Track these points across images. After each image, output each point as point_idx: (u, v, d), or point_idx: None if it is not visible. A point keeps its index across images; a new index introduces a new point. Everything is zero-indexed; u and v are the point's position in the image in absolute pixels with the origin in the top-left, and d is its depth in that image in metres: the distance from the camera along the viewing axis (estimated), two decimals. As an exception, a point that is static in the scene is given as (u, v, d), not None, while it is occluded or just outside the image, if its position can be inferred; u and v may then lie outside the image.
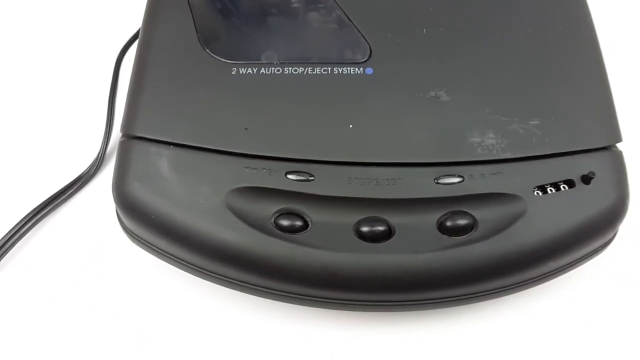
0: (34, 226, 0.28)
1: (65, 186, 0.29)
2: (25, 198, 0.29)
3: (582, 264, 0.25)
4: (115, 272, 0.27)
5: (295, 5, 0.28)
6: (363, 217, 0.22)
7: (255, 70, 0.25)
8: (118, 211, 0.25)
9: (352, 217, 0.22)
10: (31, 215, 0.28)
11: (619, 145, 0.25)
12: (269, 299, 0.24)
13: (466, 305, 0.25)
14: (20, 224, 0.28)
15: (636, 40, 0.35)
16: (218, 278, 0.24)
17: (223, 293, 0.25)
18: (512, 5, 0.27)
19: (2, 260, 0.27)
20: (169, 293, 0.27)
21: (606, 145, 0.24)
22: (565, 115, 0.25)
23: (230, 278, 0.23)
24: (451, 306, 0.24)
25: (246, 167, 0.23)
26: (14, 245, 0.28)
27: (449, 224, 0.22)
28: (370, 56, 0.26)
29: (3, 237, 0.27)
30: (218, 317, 0.26)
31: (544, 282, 0.24)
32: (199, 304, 0.26)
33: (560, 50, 0.26)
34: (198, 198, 0.23)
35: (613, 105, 0.25)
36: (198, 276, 0.24)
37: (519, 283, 0.23)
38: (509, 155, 0.24)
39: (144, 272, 0.27)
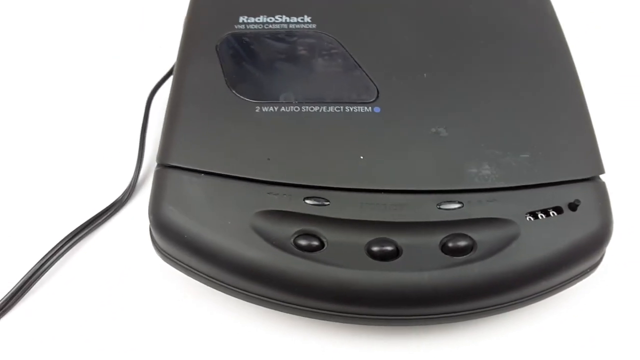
0: (70, 248, 0.31)
1: (100, 212, 0.32)
2: (62, 223, 0.31)
3: (573, 284, 0.27)
4: (146, 292, 0.29)
5: (311, 52, 0.31)
6: (373, 238, 0.25)
7: (276, 109, 0.28)
8: (152, 232, 0.27)
9: (363, 238, 0.25)
10: (68, 238, 0.31)
11: (602, 176, 0.28)
12: (289, 312, 0.26)
13: (466, 323, 0.27)
14: (58, 247, 0.30)
15: (614, 82, 0.39)
16: (243, 294, 0.26)
17: (248, 309, 0.27)
18: (503, 52, 0.31)
19: (38, 282, 0.30)
20: (199, 310, 0.29)
21: (590, 176, 0.27)
22: (552, 150, 0.27)
23: (253, 293, 0.26)
24: (453, 321, 0.26)
25: (269, 193, 0.26)
26: (50, 267, 0.30)
27: (450, 245, 0.25)
28: (377, 97, 0.29)
29: (41, 260, 0.30)
30: (242, 332, 0.28)
31: (538, 300, 0.26)
32: (225, 320, 0.28)
33: (547, 92, 0.29)
34: (226, 220, 0.25)
35: (595, 141, 0.28)
36: (225, 292, 0.26)
37: (514, 300, 0.26)
38: (503, 185, 0.26)
39: (174, 291, 0.29)
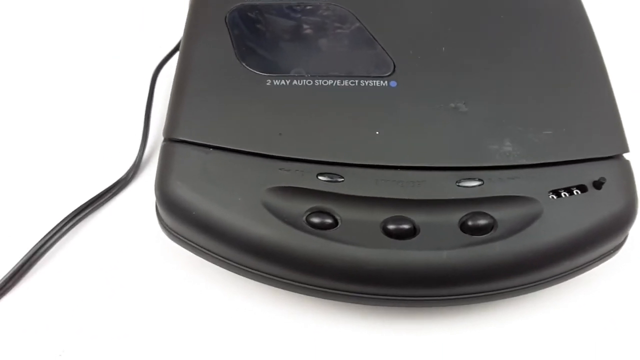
0: (73, 227, 0.30)
1: (104, 190, 0.31)
2: (66, 201, 0.30)
3: (595, 265, 0.26)
4: (151, 271, 0.29)
5: (324, 25, 0.30)
6: (389, 215, 0.24)
7: (288, 82, 0.27)
8: (159, 209, 0.26)
9: (379, 216, 0.24)
10: (70, 217, 0.30)
11: (626, 155, 0.26)
12: (300, 293, 0.25)
13: (486, 304, 0.26)
14: (60, 225, 0.29)
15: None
16: (253, 273, 0.25)
17: (257, 289, 0.27)
18: (524, 26, 0.30)
19: (41, 260, 0.29)
20: (204, 290, 0.28)
21: (615, 154, 0.26)
22: (575, 127, 0.26)
23: (264, 272, 0.25)
24: (473, 303, 0.25)
25: (280, 169, 0.25)
26: (53, 245, 0.29)
27: (470, 223, 0.24)
28: (394, 70, 0.28)
29: (43, 238, 0.29)
30: (251, 312, 0.27)
31: (560, 281, 0.25)
32: (233, 301, 0.27)
33: (570, 68, 0.28)
34: (236, 196, 0.24)
35: (619, 119, 0.27)
36: (234, 271, 0.25)
37: (536, 281, 0.25)
38: (525, 162, 0.25)
39: (179, 270, 0.28)
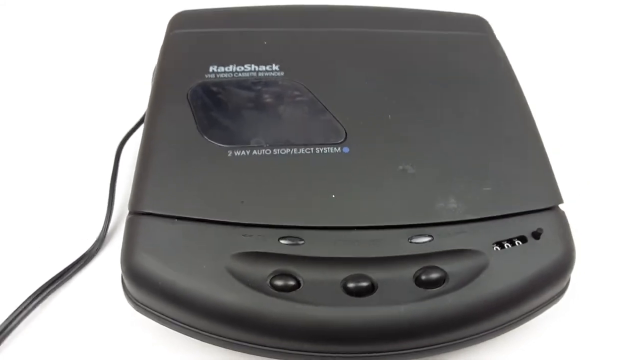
0: (39, 304, 0.30)
1: (69, 265, 0.31)
2: (30, 277, 0.30)
3: (543, 311, 0.28)
4: (118, 344, 0.29)
5: (280, 98, 0.32)
6: (349, 274, 0.25)
7: (248, 152, 0.29)
8: (125, 281, 0.27)
9: (339, 275, 0.25)
10: (37, 293, 0.30)
11: (561, 206, 0.29)
12: (268, 357, 0.26)
13: (443, 357, 0.28)
14: (26, 303, 0.29)
15: (568, 119, 0.42)
16: (220, 339, 0.26)
17: (225, 356, 0.27)
18: (460, 93, 0.33)
19: (7, 339, 0.28)
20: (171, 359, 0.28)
21: (550, 205, 0.29)
22: (513, 183, 0.29)
23: (231, 338, 0.25)
24: (430, 355, 0.26)
25: (243, 235, 0.26)
26: (19, 324, 0.29)
27: (423, 277, 0.25)
28: (346, 138, 0.30)
29: (9, 317, 0.29)
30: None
31: (512, 328, 0.27)
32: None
33: (504, 129, 0.31)
34: (201, 264, 0.25)
35: (552, 173, 0.30)
36: (201, 339, 0.26)
37: (489, 329, 0.26)
38: (469, 217, 0.27)
39: (146, 341, 0.29)
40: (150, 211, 0.27)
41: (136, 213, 0.27)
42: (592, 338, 0.30)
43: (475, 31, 0.37)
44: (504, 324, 0.27)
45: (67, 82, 0.43)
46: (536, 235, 0.27)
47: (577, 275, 0.29)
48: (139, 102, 0.37)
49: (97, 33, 0.48)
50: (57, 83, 0.43)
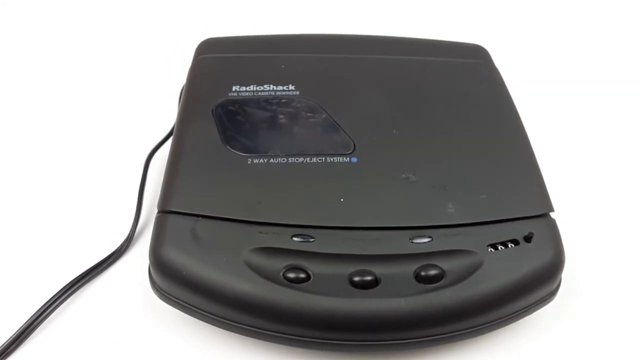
0: (70, 296, 0.32)
1: (101, 260, 0.34)
2: (63, 272, 0.33)
3: (536, 309, 0.30)
4: (143, 335, 0.31)
5: (295, 114, 0.36)
6: (355, 269, 0.28)
7: (265, 160, 0.32)
8: (152, 272, 0.30)
9: (346, 270, 0.28)
10: (68, 286, 0.32)
11: (553, 215, 0.31)
12: (279, 343, 0.28)
13: (440, 350, 0.30)
14: (58, 295, 0.32)
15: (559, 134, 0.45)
16: (236, 326, 0.28)
17: (242, 343, 0.29)
18: (459, 109, 0.36)
19: (38, 329, 0.31)
20: (194, 349, 0.30)
21: (541, 213, 0.31)
22: (506, 192, 0.31)
23: (247, 325, 0.28)
24: (429, 346, 0.28)
25: (260, 232, 0.29)
26: (50, 314, 0.32)
27: (423, 274, 0.28)
28: (354, 149, 0.33)
29: (41, 307, 0.31)
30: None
31: (506, 324, 0.29)
32: (223, 356, 0.30)
33: (499, 142, 0.34)
34: (221, 257, 0.28)
35: (544, 184, 0.32)
36: (220, 327, 0.28)
37: (483, 324, 0.28)
38: (466, 221, 0.30)
39: (170, 334, 0.31)
40: (177, 210, 0.30)
41: (164, 211, 0.30)
42: (584, 337, 0.31)
43: (475, 58, 0.41)
44: (497, 319, 0.29)
45: (108, 99, 0.47)
46: (527, 239, 0.30)
47: (570, 277, 0.31)
48: (168, 119, 0.41)
49: (134, 58, 0.52)
50: (101, 101, 0.47)
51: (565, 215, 0.32)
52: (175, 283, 0.29)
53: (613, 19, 0.58)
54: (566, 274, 0.31)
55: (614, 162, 0.43)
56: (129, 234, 0.36)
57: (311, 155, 0.33)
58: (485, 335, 0.29)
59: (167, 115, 0.42)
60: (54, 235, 0.36)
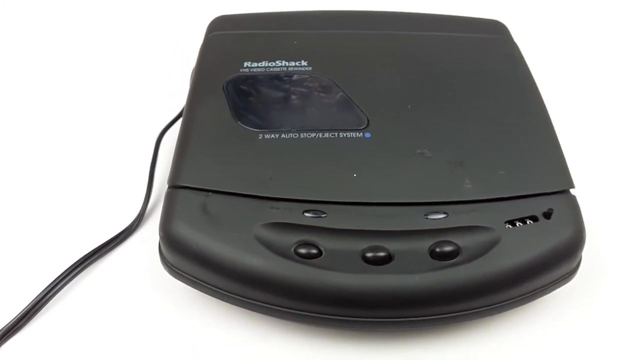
0: (81, 272, 0.32)
1: (112, 237, 0.34)
2: (74, 248, 0.33)
3: (554, 288, 0.29)
4: (153, 311, 0.31)
5: (307, 89, 0.35)
6: (368, 245, 0.27)
7: (277, 136, 0.32)
8: (162, 248, 0.29)
9: (358, 246, 0.27)
10: (79, 262, 0.32)
11: (573, 192, 0.30)
12: (290, 319, 0.28)
13: (456, 327, 0.29)
14: (69, 270, 0.32)
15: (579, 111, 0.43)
16: (246, 302, 0.28)
17: (251, 319, 0.29)
18: (477, 84, 0.35)
19: (49, 304, 0.31)
20: (203, 325, 0.30)
21: (561, 189, 0.30)
22: (526, 168, 0.31)
23: (258, 300, 0.27)
24: (443, 323, 0.28)
25: (271, 208, 0.28)
26: (60, 290, 0.32)
27: (438, 250, 0.27)
28: (368, 124, 0.32)
29: (52, 282, 0.31)
30: (251, 345, 0.29)
31: (524, 303, 0.28)
32: (232, 335, 0.30)
33: (518, 118, 0.33)
34: (232, 232, 0.28)
35: (565, 160, 0.31)
36: (230, 302, 0.28)
37: (500, 302, 0.28)
38: (483, 197, 0.29)
39: (180, 311, 0.31)
40: (187, 184, 0.30)
41: (174, 187, 0.30)
42: (603, 320, 0.31)
43: (493, 33, 0.40)
44: (514, 298, 0.28)
45: (118, 80, 0.47)
46: (547, 215, 0.29)
47: (593, 257, 0.30)
48: (178, 99, 0.41)
49: (144, 39, 0.52)
50: (111, 82, 0.47)
51: (591, 194, 0.31)
52: (185, 258, 0.28)
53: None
54: (589, 254, 0.30)
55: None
56: (140, 211, 0.35)
57: (323, 131, 0.32)
58: (501, 314, 0.29)
59: (179, 97, 0.41)
60: (67, 213, 0.36)
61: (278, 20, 0.41)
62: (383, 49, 0.38)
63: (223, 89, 0.35)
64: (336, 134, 0.32)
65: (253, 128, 0.32)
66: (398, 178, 0.30)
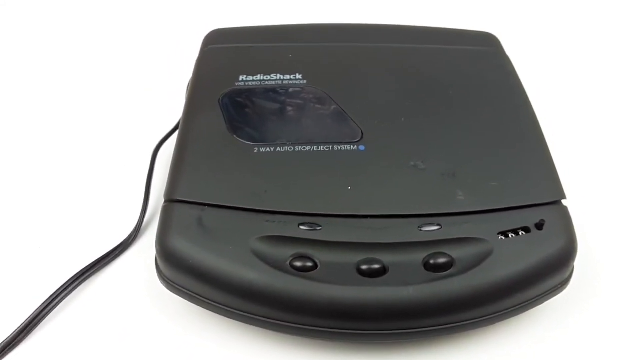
0: (78, 287, 0.32)
1: (108, 252, 0.34)
2: (71, 262, 0.33)
3: (547, 298, 0.29)
4: (150, 324, 0.31)
5: (302, 102, 0.35)
6: (362, 258, 0.27)
7: (272, 149, 0.32)
8: (159, 262, 0.30)
9: (353, 258, 0.27)
10: (76, 277, 0.32)
11: (565, 203, 0.31)
12: (286, 333, 0.28)
13: (450, 338, 0.29)
14: (66, 285, 0.32)
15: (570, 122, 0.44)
16: (243, 315, 0.28)
17: (248, 333, 0.29)
18: (469, 96, 0.36)
19: (46, 319, 0.31)
20: (199, 339, 0.30)
21: (553, 200, 0.30)
22: (518, 180, 0.31)
23: (254, 314, 0.27)
24: (437, 335, 0.28)
25: (266, 221, 0.29)
26: (58, 304, 0.32)
27: (432, 262, 0.27)
28: (362, 137, 0.33)
29: (49, 297, 0.31)
30: (244, 355, 0.30)
31: (517, 313, 0.29)
32: (228, 349, 0.30)
33: (510, 130, 0.34)
34: (228, 246, 0.28)
35: (556, 171, 0.32)
36: (226, 316, 0.28)
37: (493, 313, 0.28)
38: (476, 208, 0.29)
39: (177, 325, 0.31)
40: (183, 199, 0.30)
41: (171, 201, 0.30)
42: (596, 329, 0.31)
43: (485, 46, 0.40)
44: (508, 308, 0.28)
45: (115, 93, 0.47)
46: (539, 226, 0.29)
47: (586, 268, 0.30)
48: (174, 113, 0.41)
49: (140, 52, 0.52)
50: (107, 95, 0.47)
51: (582, 205, 0.32)
52: (181, 272, 0.28)
53: (624, 4, 0.57)
54: (582, 265, 0.30)
55: (630, 150, 0.42)
56: (136, 225, 0.36)
57: (318, 144, 0.32)
58: (495, 324, 0.29)
59: (175, 110, 0.41)
60: (63, 227, 0.36)
61: (273, 34, 0.42)
62: (377, 62, 0.38)
63: (219, 102, 0.35)
64: (331, 146, 0.32)
65: (248, 141, 0.32)
66: (392, 190, 0.30)
